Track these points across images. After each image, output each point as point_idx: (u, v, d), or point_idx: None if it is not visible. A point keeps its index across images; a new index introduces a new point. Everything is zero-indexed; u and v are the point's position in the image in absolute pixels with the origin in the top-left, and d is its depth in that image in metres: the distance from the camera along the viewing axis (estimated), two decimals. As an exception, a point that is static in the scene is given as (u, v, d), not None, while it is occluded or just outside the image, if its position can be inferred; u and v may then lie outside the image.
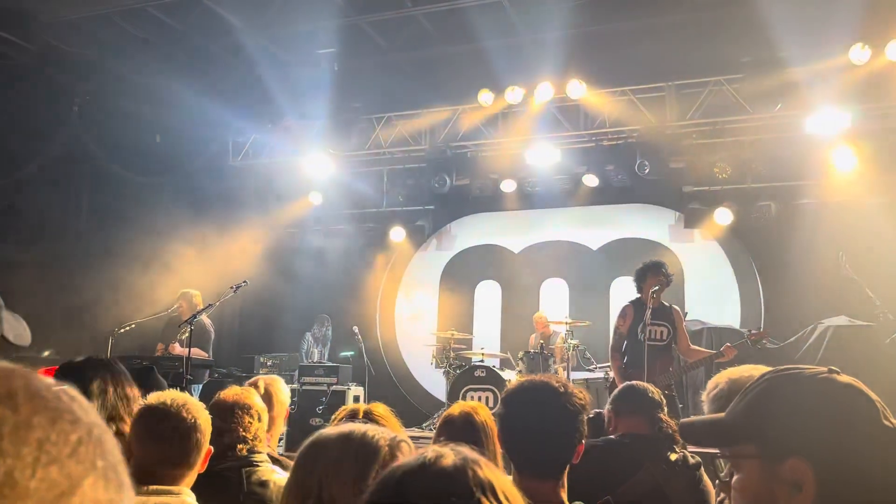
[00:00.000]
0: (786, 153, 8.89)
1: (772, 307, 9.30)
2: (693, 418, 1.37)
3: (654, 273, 6.07)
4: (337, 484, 1.35)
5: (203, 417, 2.22)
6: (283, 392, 3.56)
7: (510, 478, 2.03)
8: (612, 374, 6.50)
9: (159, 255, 9.33)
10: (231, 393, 2.80)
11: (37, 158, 9.41)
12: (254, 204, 10.92)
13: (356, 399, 8.73)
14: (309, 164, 10.34)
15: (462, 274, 11.13)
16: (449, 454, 0.83)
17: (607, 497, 2.27)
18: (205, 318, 7.13)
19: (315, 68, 9.49)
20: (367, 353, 9.69)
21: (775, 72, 8.09)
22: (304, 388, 8.78)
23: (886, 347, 6.83)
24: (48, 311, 8.98)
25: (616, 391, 3.31)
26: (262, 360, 9.79)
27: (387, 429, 1.47)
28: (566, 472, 2.04)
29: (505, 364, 9.38)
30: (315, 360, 9.80)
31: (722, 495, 1.26)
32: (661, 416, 3.04)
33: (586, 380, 8.36)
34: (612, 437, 3.05)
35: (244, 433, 2.65)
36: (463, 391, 8.22)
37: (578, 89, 8.85)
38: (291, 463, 2.82)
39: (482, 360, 8.78)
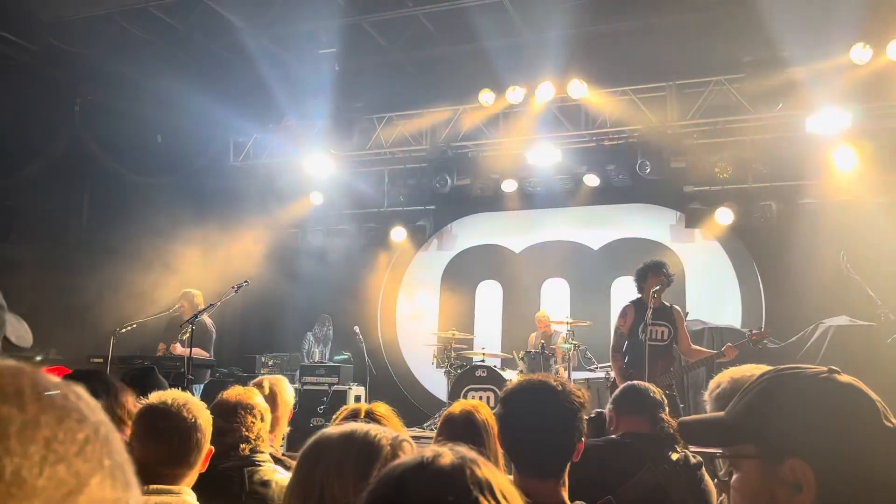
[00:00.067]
0: (787, 153, 8.89)
1: (773, 307, 9.29)
2: (692, 417, 1.37)
3: (655, 273, 6.07)
4: (339, 483, 1.36)
5: (203, 417, 2.22)
6: (288, 392, 3.56)
7: (509, 477, 2.03)
8: (612, 373, 6.50)
9: (161, 254, 9.34)
10: (234, 393, 2.80)
11: (38, 158, 9.42)
12: (255, 204, 10.93)
13: (357, 399, 8.74)
14: (310, 164, 10.34)
15: (463, 274, 11.14)
16: (447, 453, 0.83)
17: (608, 497, 2.27)
18: (206, 318, 7.13)
19: (316, 68, 9.49)
20: (368, 352, 9.69)
21: (776, 71, 8.09)
22: (305, 387, 8.79)
23: (887, 347, 6.82)
24: (49, 310, 8.99)
25: (617, 391, 3.31)
26: (263, 359, 9.80)
27: (389, 428, 1.47)
28: (567, 470, 2.04)
29: (506, 364, 9.38)
30: (316, 360, 9.81)
31: (723, 495, 1.27)
32: (663, 415, 3.04)
33: (587, 379, 8.36)
34: (613, 436, 3.05)
35: (247, 433, 2.66)
36: (464, 391, 8.23)
37: (579, 89, 8.85)
38: (293, 463, 2.82)
39: (483, 360, 8.78)
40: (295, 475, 1.46)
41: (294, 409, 3.68)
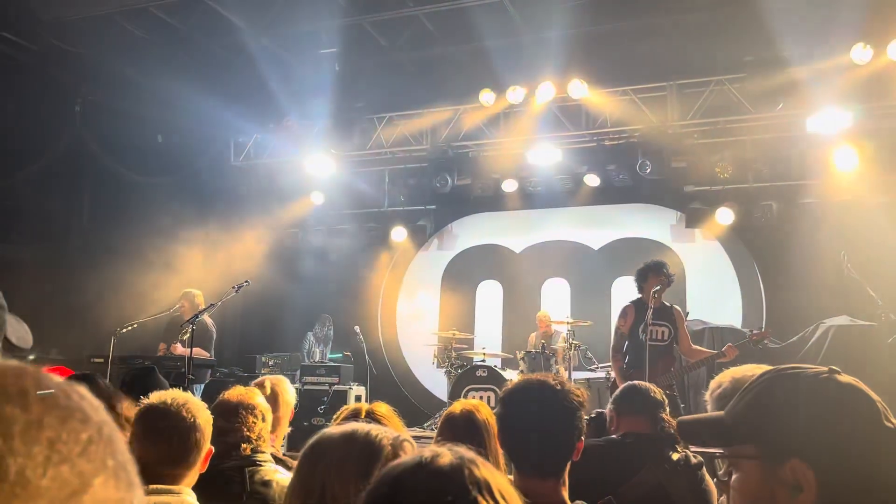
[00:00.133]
0: (787, 153, 8.89)
1: (773, 307, 9.29)
2: (692, 416, 1.36)
3: (656, 273, 6.06)
4: (340, 483, 1.36)
5: (203, 417, 2.22)
6: (289, 393, 3.56)
7: (508, 477, 2.03)
8: (613, 374, 6.50)
9: (161, 254, 9.34)
10: (235, 393, 2.81)
11: (39, 158, 9.42)
12: (255, 204, 10.93)
13: (358, 399, 8.74)
14: (310, 164, 10.34)
15: (463, 274, 11.14)
16: (446, 454, 0.84)
17: (609, 497, 2.27)
18: (207, 318, 7.13)
19: (317, 68, 9.50)
20: (368, 352, 9.69)
21: (777, 71, 8.08)
22: (305, 387, 8.79)
23: (888, 347, 6.82)
24: (50, 310, 9.00)
25: (618, 391, 3.30)
26: (263, 359, 9.79)
27: (389, 428, 1.47)
28: (567, 470, 2.04)
29: (506, 364, 9.39)
30: (317, 360, 9.81)
31: (724, 495, 1.26)
32: (663, 415, 3.04)
33: (588, 379, 8.36)
34: (613, 436, 3.05)
35: (248, 433, 2.66)
36: (464, 391, 8.23)
37: (580, 89, 8.85)
38: (294, 463, 2.83)
39: (483, 360, 8.78)
40: (296, 475, 1.46)
41: (295, 409, 3.68)
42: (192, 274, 8.95)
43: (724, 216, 9.08)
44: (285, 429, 3.63)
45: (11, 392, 0.48)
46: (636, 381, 3.38)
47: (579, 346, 8.24)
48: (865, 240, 7.93)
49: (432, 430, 8.49)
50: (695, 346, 6.24)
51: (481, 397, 7.94)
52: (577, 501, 2.06)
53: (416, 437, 2.05)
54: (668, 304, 6.17)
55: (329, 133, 10.14)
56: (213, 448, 2.28)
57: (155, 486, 2.06)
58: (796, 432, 1.09)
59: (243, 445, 2.64)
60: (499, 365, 9.05)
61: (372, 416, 2.23)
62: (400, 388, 10.78)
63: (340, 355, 10.21)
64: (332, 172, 10.46)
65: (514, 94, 9.10)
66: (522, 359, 8.36)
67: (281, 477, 2.56)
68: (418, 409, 10.02)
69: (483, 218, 11.18)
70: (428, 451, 0.85)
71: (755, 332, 6.12)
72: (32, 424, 0.47)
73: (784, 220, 8.94)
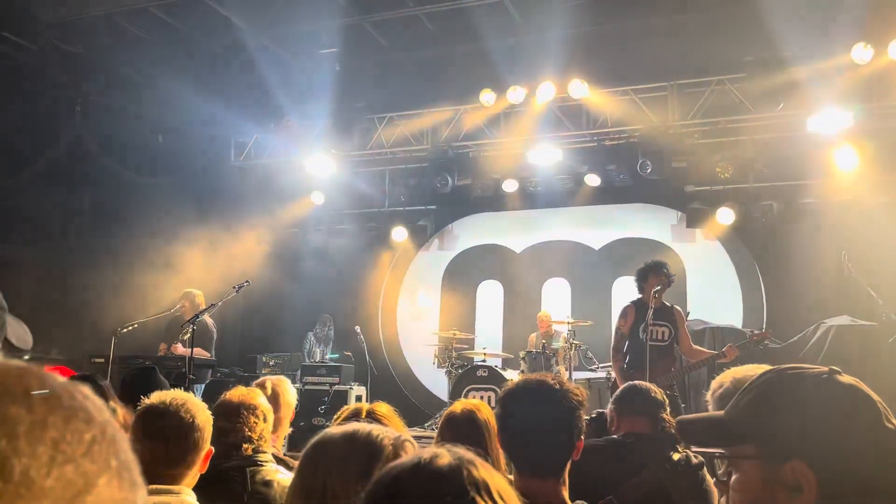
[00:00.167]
0: (788, 153, 8.88)
1: (774, 307, 9.28)
2: (691, 416, 1.36)
3: (656, 273, 6.06)
4: (341, 483, 1.36)
5: (202, 417, 2.22)
6: (290, 393, 3.57)
7: (509, 477, 2.03)
8: (613, 374, 6.50)
9: (162, 254, 9.34)
10: (237, 393, 2.81)
11: (39, 158, 9.43)
12: (256, 204, 10.93)
13: (358, 399, 8.74)
14: (311, 164, 10.34)
15: (464, 274, 11.14)
16: (445, 454, 0.84)
17: (610, 497, 2.27)
18: (207, 318, 7.14)
19: (317, 68, 9.50)
20: (369, 352, 9.69)
21: (777, 71, 8.08)
22: (306, 387, 8.79)
23: (889, 347, 6.82)
24: (51, 310, 9.01)
25: (618, 391, 3.30)
26: (264, 359, 9.79)
27: (391, 428, 1.47)
28: (567, 469, 2.04)
29: (507, 364, 9.39)
30: (317, 360, 9.81)
31: (724, 495, 1.26)
32: (664, 415, 3.04)
33: (588, 379, 8.36)
34: (614, 436, 3.05)
35: (249, 433, 2.66)
36: (465, 391, 8.23)
37: (580, 89, 8.85)
38: (295, 463, 2.82)
39: (484, 360, 8.78)
40: (298, 475, 1.46)
41: (296, 409, 3.68)
42: (192, 274, 8.95)
43: (725, 216, 9.08)
44: (286, 429, 3.63)
45: (16, 392, 0.48)
46: (637, 381, 3.38)
47: (580, 347, 8.24)
48: (866, 240, 7.93)
49: (433, 429, 8.49)
50: (695, 347, 6.23)
51: (482, 397, 7.94)
52: (578, 501, 2.06)
53: (416, 437, 2.05)
54: (668, 304, 6.17)
55: (329, 133, 10.14)
56: (213, 448, 2.28)
57: (154, 487, 2.06)
58: (797, 433, 1.09)
59: (245, 445, 2.64)
60: (499, 365, 9.05)
61: (373, 416, 2.23)
62: (400, 388, 10.78)
63: (339, 355, 10.21)
64: (333, 172, 10.46)
65: (515, 93, 9.10)
66: (523, 359, 8.36)
67: (282, 477, 2.56)
68: (419, 409, 10.02)
69: (483, 218, 11.18)
70: (427, 451, 0.85)
71: (756, 332, 6.13)
72: (36, 425, 0.47)
73: (785, 219, 8.94)
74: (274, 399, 3.27)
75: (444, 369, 9.15)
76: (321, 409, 8.57)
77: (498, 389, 8.04)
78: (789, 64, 8.00)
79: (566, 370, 8.08)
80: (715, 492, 2.74)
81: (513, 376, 8.21)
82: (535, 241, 10.87)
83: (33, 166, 9.37)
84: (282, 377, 3.76)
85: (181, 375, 6.27)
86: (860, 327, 7.47)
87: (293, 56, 9.44)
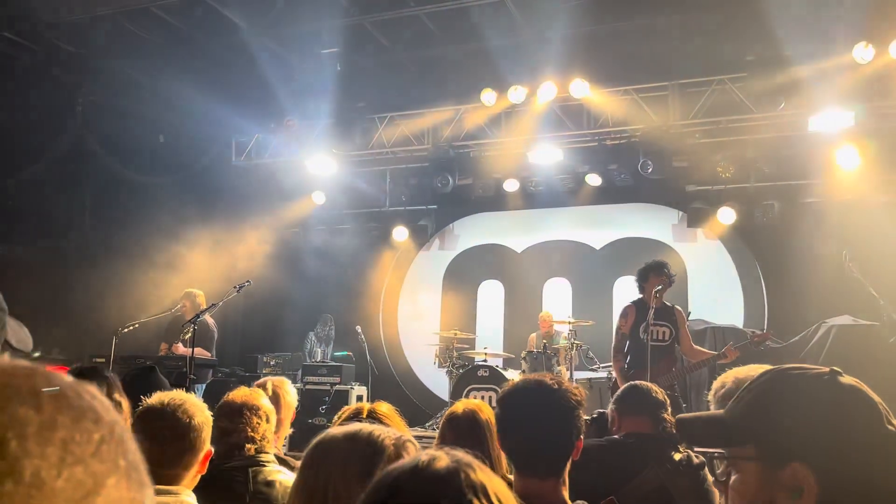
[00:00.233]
0: (789, 152, 8.88)
1: (775, 306, 9.28)
2: (691, 415, 1.35)
3: (657, 273, 6.06)
4: (342, 483, 1.36)
5: (200, 418, 2.21)
6: (291, 394, 3.57)
7: (509, 477, 2.03)
8: (614, 374, 6.49)
9: (163, 254, 9.34)
10: (240, 394, 2.82)
11: (40, 158, 9.43)
12: (257, 204, 10.93)
13: (359, 398, 8.74)
14: (312, 164, 10.35)
15: (465, 274, 11.14)
16: (443, 457, 0.84)
17: (611, 497, 2.27)
18: (208, 318, 7.14)
19: (318, 68, 9.50)
20: (369, 352, 9.69)
21: (779, 71, 8.07)
22: (307, 387, 8.80)
23: (890, 347, 6.81)
24: (52, 310, 9.01)
25: (619, 391, 3.31)
26: (265, 359, 9.80)
27: (393, 429, 1.48)
28: (567, 470, 2.04)
29: (508, 363, 9.39)
30: (318, 360, 9.81)
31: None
32: (665, 415, 3.04)
33: (589, 379, 8.36)
34: (615, 436, 3.05)
35: (252, 434, 2.67)
36: (466, 391, 8.23)
37: (581, 89, 8.84)
38: (296, 463, 2.83)
39: (485, 360, 8.78)
40: (299, 475, 1.46)
41: (297, 410, 3.69)
42: (193, 274, 8.96)
43: (726, 216, 9.07)
44: (287, 430, 3.64)
45: (24, 392, 0.48)
46: (638, 381, 3.38)
47: (581, 346, 8.24)
48: (867, 239, 7.92)
49: (434, 429, 8.49)
50: (696, 347, 6.23)
51: (483, 397, 7.94)
52: (579, 501, 2.06)
53: (417, 437, 2.06)
54: (669, 304, 6.17)
55: (330, 133, 10.14)
56: (212, 449, 2.28)
57: (153, 487, 2.05)
58: (797, 435, 1.08)
59: (248, 446, 2.65)
60: (500, 365, 9.05)
61: (374, 416, 2.23)
62: (401, 387, 10.79)
63: (344, 353, 10.21)
64: (334, 172, 10.46)
65: (516, 93, 9.10)
66: (524, 359, 8.36)
67: (284, 478, 2.57)
68: (420, 409, 10.02)
69: (484, 218, 11.18)
70: (425, 454, 0.85)
71: (757, 333, 6.12)
72: (46, 425, 0.47)
73: (786, 219, 8.94)
74: (274, 400, 3.27)
75: (445, 369, 9.16)
76: (322, 409, 8.57)
77: (499, 389, 8.04)
78: (790, 63, 7.99)
79: (567, 370, 8.08)
80: (717, 492, 2.74)
81: (514, 376, 8.21)
82: (536, 240, 10.87)
83: (34, 166, 9.37)
84: (282, 378, 3.77)
85: (182, 375, 6.27)
86: (862, 327, 7.46)
87: (294, 56, 9.44)
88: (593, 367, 8.47)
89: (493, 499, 0.81)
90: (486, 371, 8.37)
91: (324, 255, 11.07)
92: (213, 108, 9.35)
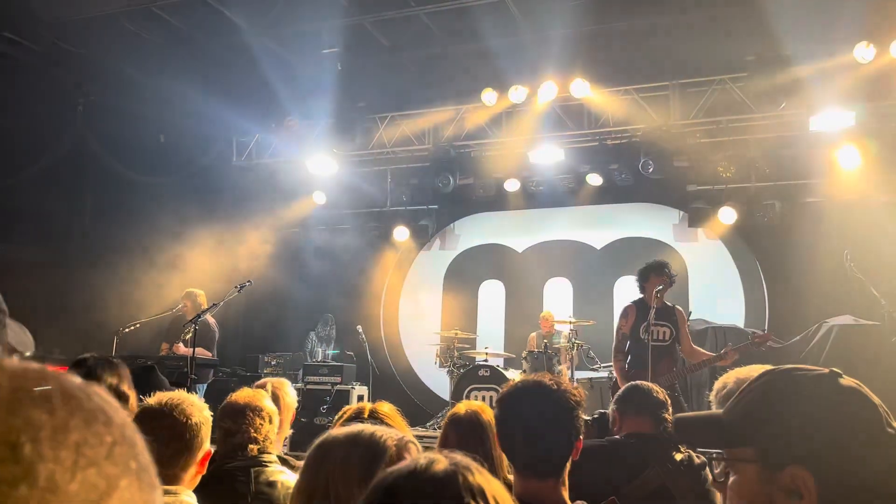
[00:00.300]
0: (790, 152, 8.88)
1: (776, 306, 9.28)
2: (689, 414, 1.34)
3: (658, 273, 6.05)
4: (344, 484, 1.36)
5: (198, 418, 2.21)
6: (290, 395, 3.58)
7: (509, 478, 2.03)
8: (615, 373, 6.49)
9: (163, 254, 9.35)
10: (243, 395, 2.83)
11: (41, 158, 9.43)
12: (257, 204, 10.94)
13: (360, 398, 8.75)
14: (312, 164, 10.35)
15: (465, 273, 11.14)
16: (441, 460, 0.84)
17: (612, 497, 2.27)
18: (209, 318, 7.15)
19: (318, 68, 9.49)
20: (370, 352, 9.70)
21: (780, 70, 8.07)
22: (308, 387, 8.80)
23: (892, 347, 6.81)
24: (53, 310, 9.01)
25: (620, 391, 3.30)
26: (266, 359, 9.81)
27: (395, 430, 1.48)
28: (567, 470, 2.03)
29: (509, 363, 9.39)
30: (319, 360, 9.81)
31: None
32: (666, 415, 3.04)
33: (590, 379, 8.36)
34: (616, 437, 3.05)
35: (255, 434, 2.67)
36: (467, 390, 8.23)
37: (582, 88, 8.84)
38: (297, 462, 2.83)
39: (486, 360, 8.78)
40: (302, 475, 1.46)
41: (297, 410, 3.69)
42: (194, 274, 8.96)
43: (727, 215, 9.07)
44: (286, 431, 3.64)
45: (36, 395, 0.47)
46: (639, 382, 3.38)
47: (582, 346, 8.24)
48: (869, 239, 7.92)
49: (435, 429, 8.49)
50: (696, 348, 6.22)
51: (483, 397, 7.95)
52: (579, 502, 2.06)
53: (418, 437, 2.06)
54: (669, 304, 6.16)
55: (331, 133, 10.14)
56: (212, 450, 2.28)
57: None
58: (796, 437, 1.07)
59: (250, 446, 2.65)
60: (501, 365, 9.06)
61: (375, 416, 2.23)
62: (402, 387, 10.79)
63: (338, 351, 10.21)
64: (334, 172, 10.47)
65: (517, 93, 9.10)
66: (525, 358, 8.37)
67: (286, 478, 2.57)
68: (420, 409, 10.03)
69: (485, 217, 11.18)
70: (423, 457, 0.86)
71: (757, 334, 6.11)
72: (59, 428, 0.46)
73: (787, 219, 8.93)
74: (274, 401, 3.27)
75: (446, 369, 9.16)
76: (323, 409, 8.57)
77: (500, 389, 8.05)
78: (791, 63, 7.99)
79: (568, 370, 8.08)
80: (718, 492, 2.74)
81: (515, 376, 8.21)
82: (536, 240, 10.87)
83: (35, 166, 9.37)
84: (282, 379, 3.78)
85: (183, 375, 6.28)
86: (863, 327, 7.46)
87: (295, 56, 9.43)
88: (594, 366, 8.47)
89: (492, 501, 0.82)
90: (486, 371, 8.37)
91: (325, 254, 11.08)
92: (214, 108, 9.35)
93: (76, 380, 0.52)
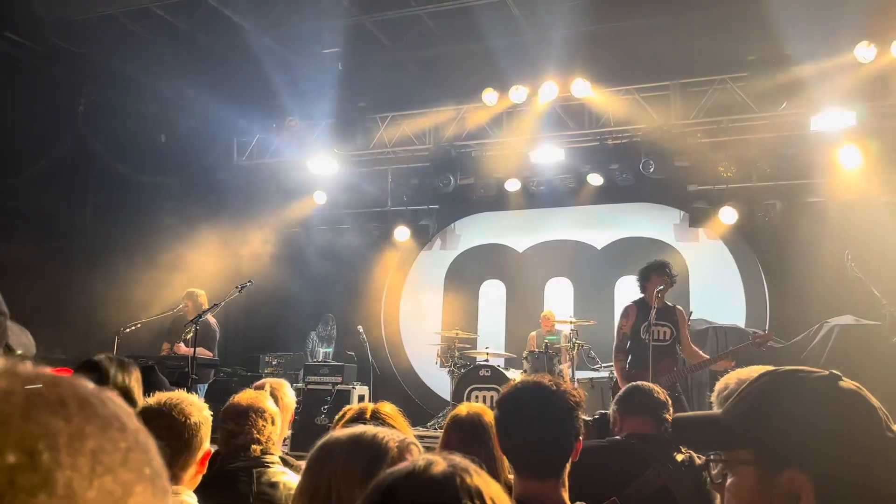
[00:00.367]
0: (791, 152, 8.87)
1: (777, 306, 9.27)
2: (687, 414, 1.33)
3: (659, 273, 6.05)
4: (346, 485, 1.36)
5: (197, 417, 2.21)
6: (289, 396, 3.59)
7: (509, 479, 2.03)
8: (615, 374, 6.49)
9: (164, 254, 9.35)
10: (245, 396, 2.83)
11: (42, 158, 9.43)
12: (258, 203, 10.94)
13: (361, 398, 8.74)
14: (313, 164, 10.35)
15: (466, 273, 11.14)
16: (439, 462, 0.85)
17: (613, 498, 2.27)
18: (210, 318, 7.15)
19: (319, 68, 9.50)
20: (371, 352, 9.70)
21: (780, 70, 8.07)
22: (309, 387, 8.80)
23: (892, 347, 6.80)
24: (54, 310, 9.01)
25: (621, 392, 3.30)
26: (267, 359, 9.80)
27: (397, 431, 1.48)
28: (566, 471, 2.03)
29: (510, 363, 9.39)
30: (320, 360, 9.81)
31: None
32: (667, 416, 3.03)
33: (591, 379, 8.36)
34: (617, 437, 3.04)
35: (258, 435, 2.68)
36: (468, 390, 8.23)
37: (583, 88, 8.84)
38: (297, 462, 2.83)
39: (487, 360, 8.78)
40: (304, 476, 1.46)
41: (297, 410, 3.70)
42: (195, 274, 8.96)
43: (728, 215, 9.06)
44: (285, 431, 3.65)
45: (52, 402, 0.47)
46: (640, 382, 3.38)
47: (583, 346, 8.24)
48: (870, 239, 7.92)
49: (436, 429, 8.50)
50: (694, 349, 6.21)
51: (484, 397, 7.95)
52: (579, 503, 2.06)
53: (419, 437, 2.06)
54: (670, 304, 6.16)
55: (332, 132, 10.14)
56: (211, 450, 2.28)
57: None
58: (795, 440, 1.07)
59: (253, 447, 2.65)
60: (502, 364, 9.06)
61: (377, 416, 2.23)
62: (403, 387, 10.79)
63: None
64: (335, 172, 10.47)
65: (517, 93, 9.09)
66: (525, 358, 8.37)
67: (288, 479, 2.57)
68: (421, 409, 10.03)
69: (486, 217, 11.18)
70: (422, 459, 0.86)
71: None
72: (75, 436, 0.46)
73: (788, 219, 8.93)
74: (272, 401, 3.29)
75: (447, 369, 9.15)
76: (324, 409, 8.57)
77: (500, 389, 8.04)
78: (792, 63, 7.99)
79: (569, 370, 8.08)
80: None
81: (515, 376, 8.21)
82: (537, 240, 10.87)
83: (36, 166, 9.37)
84: (281, 380, 3.78)
85: (184, 375, 6.28)
86: (864, 327, 7.46)
87: (296, 56, 9.44)
88: (595, 366, 8.47)
89: (489, 503, 0.81)
90: (487, 371, 8.37)
91: (325, 254, 11.08)
92: (215, 108, 9.36)
93: (89, 385, 0.52)
